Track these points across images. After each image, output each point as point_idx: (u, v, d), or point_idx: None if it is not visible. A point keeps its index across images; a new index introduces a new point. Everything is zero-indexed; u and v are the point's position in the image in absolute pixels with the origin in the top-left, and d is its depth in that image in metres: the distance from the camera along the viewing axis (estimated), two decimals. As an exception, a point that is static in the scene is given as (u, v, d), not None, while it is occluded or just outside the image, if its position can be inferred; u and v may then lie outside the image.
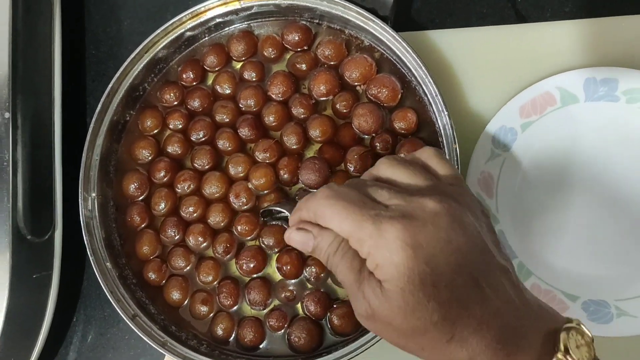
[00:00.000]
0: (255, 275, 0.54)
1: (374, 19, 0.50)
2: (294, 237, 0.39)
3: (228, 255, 0.54)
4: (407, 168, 0.38)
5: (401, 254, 0.32)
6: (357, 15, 0.52)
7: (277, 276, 0.53)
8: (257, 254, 0.53)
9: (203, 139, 0.56)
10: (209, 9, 0.54)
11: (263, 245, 0.53)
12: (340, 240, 0.36)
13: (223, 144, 0.55)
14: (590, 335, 0.34)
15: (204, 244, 0.54)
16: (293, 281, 0.53)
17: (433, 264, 0.32)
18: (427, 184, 0.37)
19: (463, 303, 0.33)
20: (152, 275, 0.54)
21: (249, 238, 0.54)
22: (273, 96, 0.55)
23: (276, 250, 0.53)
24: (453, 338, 0.33)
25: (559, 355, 0.32)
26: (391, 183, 0.38)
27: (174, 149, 0.56)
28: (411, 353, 0.35)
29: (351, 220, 0.34)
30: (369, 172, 0.41)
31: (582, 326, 0.34)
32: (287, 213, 0.50)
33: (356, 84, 0.54)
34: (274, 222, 0.53)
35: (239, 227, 0.53)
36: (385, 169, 0.39)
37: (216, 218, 0.54)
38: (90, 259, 0.52)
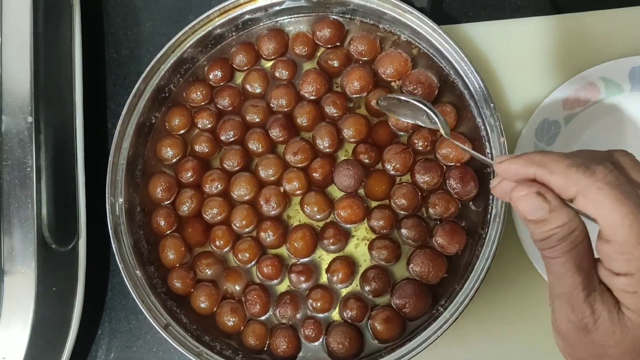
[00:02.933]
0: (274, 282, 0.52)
1: (412, 10, 0.49)
2: (525, 200, 0.31)
3: (250, 264, 0.52)
4: None
5: None
6: (393, 8, 0.50)
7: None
8: (275, 262, 0.51)
9: (233, 139, 0.54)
10: (238, 6, 0.53)
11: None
12: (575, 226, 0.30)
13: (254, 144, 0.53)
14: None
15: (226, 249, 0.52)
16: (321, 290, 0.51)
17: None
18: None
19: None
20: (177, 284, 0.52)
21: (272, 244, 0.52)
22: (305, 95, 0.53)
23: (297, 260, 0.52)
24: None
25: None
26: None
27: (201, 148, 0.54)
28: None
29: (623, 200, 0.28)
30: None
31: None
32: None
33: (391, 79, 0.53)
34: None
35: (262, 234, 0.52)
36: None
37: (241, 222, 0.52)
38: (120, 267, 0.50)
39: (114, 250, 0.50)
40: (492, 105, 0.46)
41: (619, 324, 0.28)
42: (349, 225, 0.52)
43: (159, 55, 0.53)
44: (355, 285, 0.51)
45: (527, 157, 0.32)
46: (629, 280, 0.28)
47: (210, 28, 0.54)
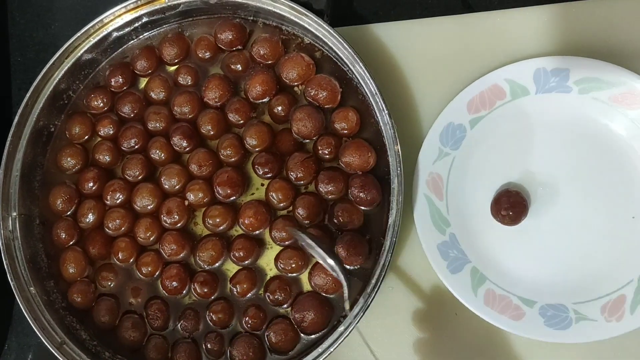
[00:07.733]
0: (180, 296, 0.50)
1: (307, 13, 0.47)
2: None
3: (154, 276, 0.50)
4: None
5: None
6: (289, 10, 0.48)
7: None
8: (180, 273, 0.49)
9: (135, 147, 0.52)
10: (135, 9, 0.51)
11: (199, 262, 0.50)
12: None
13: (156, 153, 0.51)
14: None
15: (129, 262, 0.51)
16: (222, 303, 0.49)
17: None
18: None
19: None
20: (77, 298, 0.50)
21: (177, 258, 0.50)
22: (209, 102, 0.51)
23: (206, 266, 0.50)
24: None
25: None
26: None
27: (103, 157, 0.52)
28: None
29: None
30: None
31: None
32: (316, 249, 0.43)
33: (294, 84, 0.51)
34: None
35: (165, 247, 0.50)
36: None
37: (145, 234, 0.50)
38: (11, 284, 0.48)
39: (5, 267, 0.48)
40: (385, 112, 0.45)
41: None
42: (255, 233, 0.50)
43: (52, 61, 0.51)
44: (259, 293, 0.49)
45: None
46: None
47: (109, 31, 0.51)
